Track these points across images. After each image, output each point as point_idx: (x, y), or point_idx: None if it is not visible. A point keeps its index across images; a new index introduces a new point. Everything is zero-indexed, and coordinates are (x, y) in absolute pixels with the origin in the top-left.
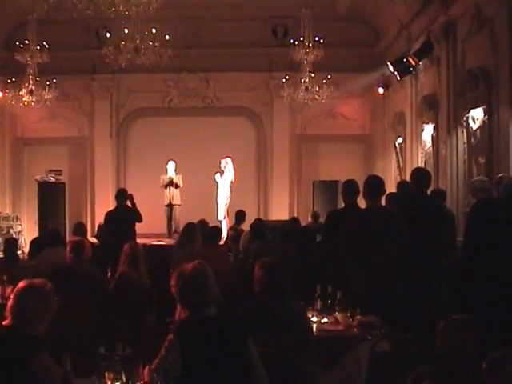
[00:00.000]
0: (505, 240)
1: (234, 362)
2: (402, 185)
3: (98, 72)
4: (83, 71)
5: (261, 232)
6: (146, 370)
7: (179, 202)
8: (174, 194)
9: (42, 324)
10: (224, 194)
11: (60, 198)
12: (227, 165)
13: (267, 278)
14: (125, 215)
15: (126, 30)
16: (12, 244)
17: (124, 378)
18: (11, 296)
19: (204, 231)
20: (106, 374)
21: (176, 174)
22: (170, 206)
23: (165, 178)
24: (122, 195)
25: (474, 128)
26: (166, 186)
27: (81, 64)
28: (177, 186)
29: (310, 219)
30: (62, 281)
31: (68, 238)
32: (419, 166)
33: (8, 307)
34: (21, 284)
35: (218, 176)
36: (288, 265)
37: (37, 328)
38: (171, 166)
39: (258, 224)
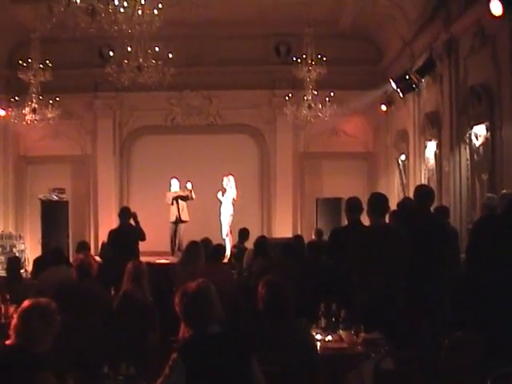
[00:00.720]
0: (505, 255)
1: (238, 381)
2: (404, 202)
3: (100, 90)
4: (86, 90)
5: (264, 249)
6: None
7: (187, 219)
8: (183, 210)
9: (45, 343)
10: (227, 212)
11: (63, 216)
12: (229, 182)
13: (271, 296)
14: (128, 233)
15: (129, 49)
16: (15, 263)
17: None
18: (15, 315)
19: (207, 249)
20: None
21: (181, 189)
22: (178, 222)
23: (171, 195)
24: (125, 213)
25: (477, 145)
26: (172, 203)
27: (84, 82)
28: (185, 199)
29: (313, 236)
30: (66, 299)
31: (71, 257)
32: (422, 182)
33: (12, 326)
34: (25, 303)
35: (220, 194)
36: (291, 282)
37: (41, 347)
38: (175, 183)
39: (261, 241)
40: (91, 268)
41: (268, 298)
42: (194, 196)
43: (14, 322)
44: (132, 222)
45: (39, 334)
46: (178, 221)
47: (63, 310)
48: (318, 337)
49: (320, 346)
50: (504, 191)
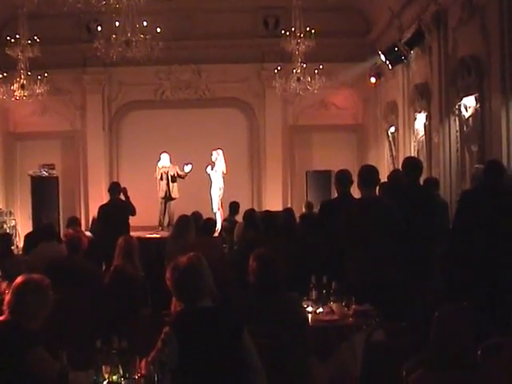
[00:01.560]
0: (488, 226)
1: (230, 354)
2: (393, 174)
3: (89, 65)
4: (74, 65)
5: (253, 222)
6: (143, 363)
7: (177, 196)
8: (174, 188)
9: (39, 319)
10: (217, 186)
11: (53, 192)
12: (218, 156)
13: (262, 269)
14: (118, 209)
15: (117, 23)
16: (6, 239)
17: (121, 371)
18: (8, 291)
19: (198, 223)
20: (103, 367)
21: (171, 164)
22: (167, 199)
23: (159, 169)
24: (114, 189)
25: (466, 116)
26: (161, 177)
27: (72, 58)
28: (175, 181)
29: (304, 209)
30: (57, 275)
31: (62, 233)
32: (412, 154)
33: (6, 302)
34: (19, 279)
35: (209, 169)
36: (282, 255)
37: (34, 323)
38: (164, 157)
39: (250, 214)
40: (81, 243)
41: (259, 271)
42: (184, 176)
43: (7, 297)
44: (122, 197)
45: (33, 310)
46: (168, 198)
47: (54, 285)
48: (309, 309)
49: (311, 318)
50: None
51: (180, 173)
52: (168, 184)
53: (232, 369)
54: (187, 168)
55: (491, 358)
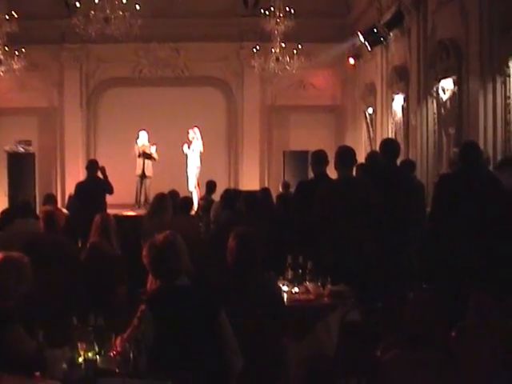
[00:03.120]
0: (462, 212)
1: (206, 332)
2: (371, 155)
3: (67, 41)
4: (52, 41)
5: (231, 201)
6: (119, 340)
7: (151, 174)
8: (147, 166)
9: (17, 297)
10: (194, 164)
11: (30, 168)
12: (195, 135)
13: (241, 248)
14: (95, 186)
15: (96, 0)
16: None
17: (96, 348)
18: None
19: (175, 202)
20: (79, 344)
21: (150, 143)
22: (143, 176)
23: (138, 148)
24: (92, 166)
25: (444, 99)
26: (139, 155)
27: (50, 33)
28: (150, 158)
29: (280, 189)
30: (34, 251)
31: (38, 209)
32: (389, 136)
33: None
34: None
35: (185, 147)
36: (259, 234)
37: (12, 300)
38: (143, 135)
39: (229, 194)
40: (59, 220)
41: (238, 250)
42: (156, 157)
43: None
44: (100, 174)
45: (11, 288)
46: (143, 176)
47: (31, 262)
48: (285, 288)
49: (287, 298)
50: None
51: (150, 153)
52: (144, 162)
53: (208, 347)
54: (152, 149)
55: (464, 340)
